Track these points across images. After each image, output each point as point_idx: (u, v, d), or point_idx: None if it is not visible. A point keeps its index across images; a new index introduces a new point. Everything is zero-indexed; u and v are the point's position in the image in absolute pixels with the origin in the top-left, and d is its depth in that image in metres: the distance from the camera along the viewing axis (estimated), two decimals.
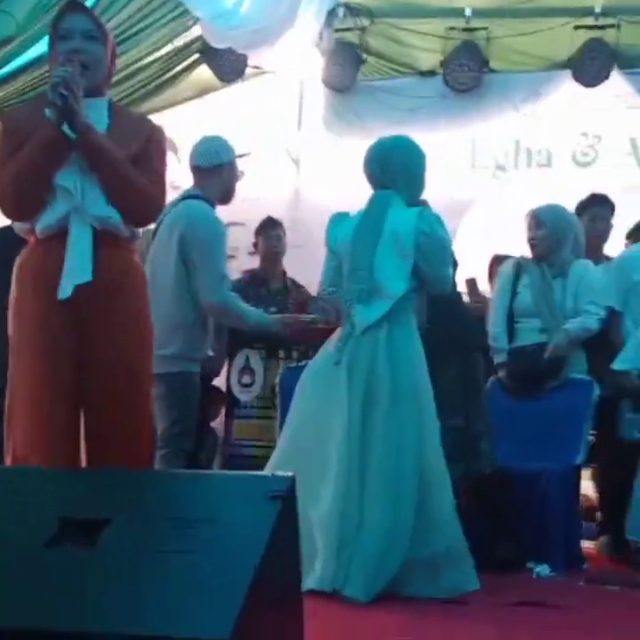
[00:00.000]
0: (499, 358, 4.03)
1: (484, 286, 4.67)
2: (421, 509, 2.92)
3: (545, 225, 3.98)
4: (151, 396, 2.48)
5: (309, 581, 2.74)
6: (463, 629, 2.55)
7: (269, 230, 4.75)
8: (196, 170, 3.52)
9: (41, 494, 1.72)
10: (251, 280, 4.69)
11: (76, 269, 2.27)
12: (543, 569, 3.33)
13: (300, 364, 3.86)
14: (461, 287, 4.19)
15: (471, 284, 4.60)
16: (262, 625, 1.53)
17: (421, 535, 2.90)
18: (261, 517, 1.58)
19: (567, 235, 4.00)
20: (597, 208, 4.27)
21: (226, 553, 1.51)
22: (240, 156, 3.52)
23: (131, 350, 2.36)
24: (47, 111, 2.31)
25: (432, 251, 3.10)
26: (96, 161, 2.31)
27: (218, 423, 4.57)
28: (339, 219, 3.30)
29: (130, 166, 2.35)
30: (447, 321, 3.40)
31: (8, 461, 2.30)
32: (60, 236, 2.30)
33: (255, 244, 4.86)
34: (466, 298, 4.38)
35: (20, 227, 2.43)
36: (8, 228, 3.88)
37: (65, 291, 2.26)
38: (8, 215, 2.43)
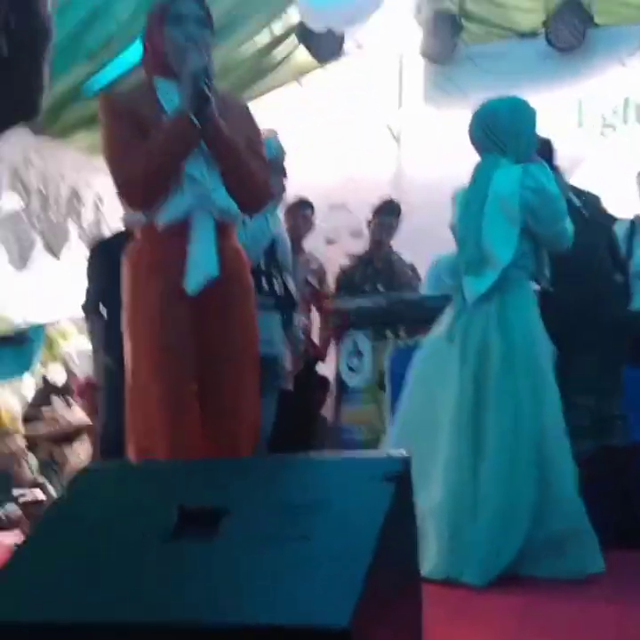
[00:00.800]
0: None
1: None
2: (542, 486, 2.83)
3: None
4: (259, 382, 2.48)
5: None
6: (589, 610, 2.46)
7: (385, 216, 4.63)
8: None
9: (160, 486, 1.74)
10: (358, 264, 4.67)
11: (203, 263, 2.25)
12: None
13: (408, 344, 3.81)
14: None
15: None
16: (381, 610, 1.50)
17: (543, 513, 2.81)
18: (377, 499, 1.55)
19: None
20: None
21: (342, 537, 1.49)
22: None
23: (246, 338, 2.39)
24: (171, 100, 2.28)
25: (540, 207, 2.96)
26: (223, 151, 2.28)
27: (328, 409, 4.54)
28: (457, 196, 3.19)
29: (248, 155, 2.33)
30: (579, 287, 3.23)
31: (132, 452, 2.32)
32: (180, 227, 2.27)
33: (369, 223, 4.73)
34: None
35: (131, 219, 2.38)
36: (120, 235, 4.01)
37: (194, 284, 2.24)
38: (134, 203, 2.32)
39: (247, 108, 2.52)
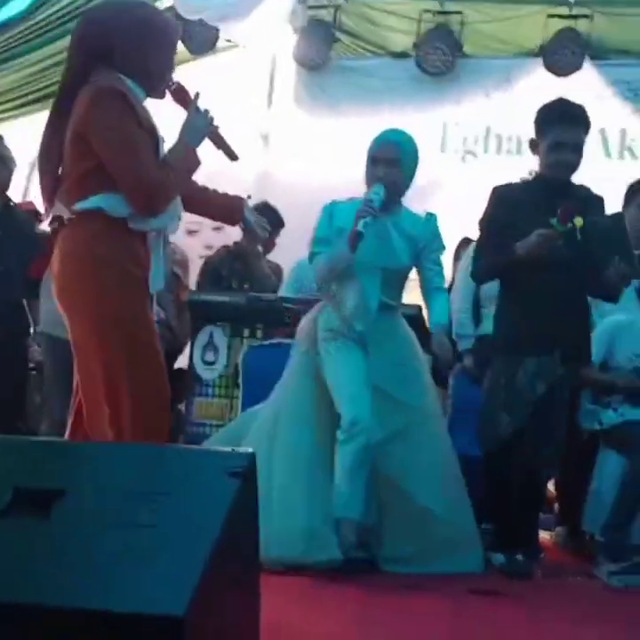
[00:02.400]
0: (464, 345, 3.98)
1: (449, 270, 4.63)
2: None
3: None
4: None
5: None
6: (414, 619, 2.49)
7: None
8: None
9: None
10: (225, 257, 4.65)
11: (161, 268, 2.46)
12: (498, 558, 3.23)
13: (263, 343, 3.84)
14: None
15: None
16: (218, 601, 1.51)
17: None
18: (221, 493, 1.57)
19: None
20: None
21: (182, 528, 1.49)
22: None
23: None
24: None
25: None
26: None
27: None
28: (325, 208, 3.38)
29: None
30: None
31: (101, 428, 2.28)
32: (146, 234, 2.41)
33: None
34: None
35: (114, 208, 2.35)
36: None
37: (158, 286, 2.44)
38: (154, 211, 2.37)
39: None
